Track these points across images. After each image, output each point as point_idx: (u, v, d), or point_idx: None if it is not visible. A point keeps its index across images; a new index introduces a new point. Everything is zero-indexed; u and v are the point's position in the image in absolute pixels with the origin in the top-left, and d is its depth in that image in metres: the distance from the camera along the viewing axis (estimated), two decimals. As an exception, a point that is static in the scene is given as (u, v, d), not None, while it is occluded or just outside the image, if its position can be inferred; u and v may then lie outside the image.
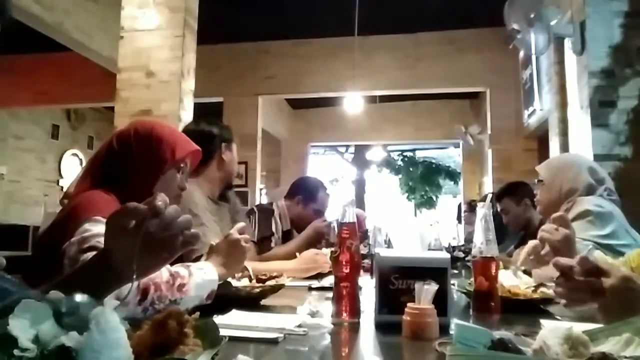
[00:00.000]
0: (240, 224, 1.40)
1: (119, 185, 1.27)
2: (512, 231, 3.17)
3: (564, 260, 0.99)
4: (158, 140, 1.35)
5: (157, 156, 1.34)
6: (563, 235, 1.28)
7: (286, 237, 2.70)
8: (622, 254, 1.62)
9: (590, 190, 1.85)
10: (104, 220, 1.11)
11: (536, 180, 2.05)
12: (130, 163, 1.32)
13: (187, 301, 1.11)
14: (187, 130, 1.95)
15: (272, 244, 2.53)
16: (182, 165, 1.40)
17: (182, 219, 0.77)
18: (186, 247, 0.80)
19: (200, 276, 1.16)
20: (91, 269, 0.80)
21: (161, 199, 0.75)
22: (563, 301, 0.99)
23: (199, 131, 1.96)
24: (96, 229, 1.07)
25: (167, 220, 0.75)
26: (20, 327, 0.50)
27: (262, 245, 2.44)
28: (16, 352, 0.48)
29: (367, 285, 1.48)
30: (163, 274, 1.07)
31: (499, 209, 3.06)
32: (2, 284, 0.60)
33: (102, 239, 0.82)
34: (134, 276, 0.72)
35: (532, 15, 3.30)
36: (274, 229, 2.60)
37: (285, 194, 2.85)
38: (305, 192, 2.75)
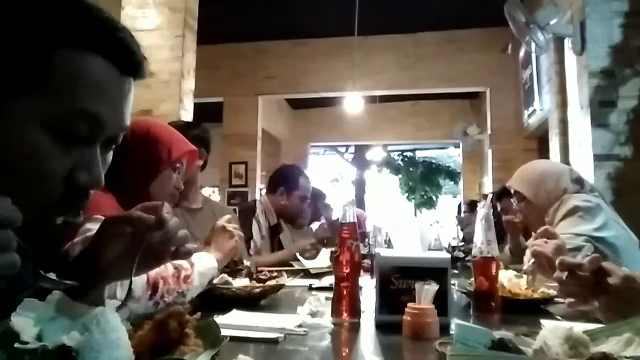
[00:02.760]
0: (226, 217, 1.43)
1: (115, 184, 1.27)
2: None
3: (569, 259, 0.99)
4: (154, 140, 1.35)
5: (154, 156, 1.35)
6: (555, 246, 1.29)
7: (274, 230, 2.70)
8: (614, 245, 1.63)
9: (576, 191, 1.84)
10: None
11: (514, 198, 1.98)
12: (126, 163, 1.31)
13: (193, 291, 1.15)
14: None
15: (252, 246, 2.45)
16: (178, 165, 1.41)
17: (181, 234, 0.77)
18: (175, 259, 0.81)
19: (202, 265, 1.20)
20: (76, 266, 0.79)
21: (167, 210, 0.74)
22: (568, 300, 0.99)
23: None
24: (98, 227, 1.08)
25: (170, 234, 0.74)
26: (23, 325, 0.50)
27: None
28: (17, 345, 0.48)
29: (367, 285, 1.48)
30: (168, 267, 1.10)
31: (499, 209, 3.06)
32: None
33: None
34: (131, 280, 0.71)
35: (531, 16, 3.30)
36: (254, 230, 2.53)
37: (267, 189, 2.83)
38: (286, 181, 2.74)
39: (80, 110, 0.59)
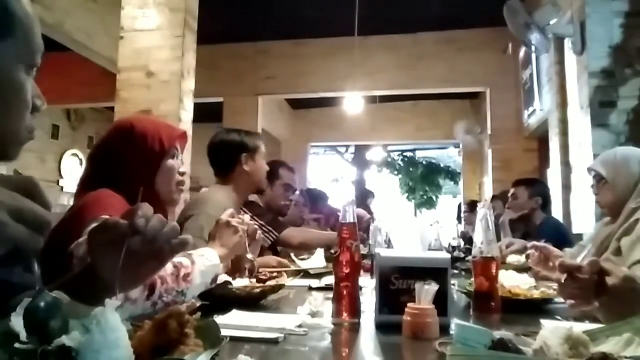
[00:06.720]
0: (229, 210, 1.43)
1: (121, 187, 1.27)
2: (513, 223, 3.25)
3: (568, 261, 0.99)
4: (142, 136, 1.34)
5: (147, 152, 1.33)
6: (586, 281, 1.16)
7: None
8: None
9: None
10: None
11: (593, 181, 1.87)
12: (123, 165, 1.31)
13: (193, 289, 1.13)
14: (210, 143, 2.16)
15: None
16: (174, 151, 1.39)
17: (168, 229, 0.75)
18: (175, 254, 0.79)
19: (203, 263, 1.18)
20: (83, 277, 0.79)
21: (142, 214, 0.71)
22: (570, 301, 0.99)
23: (217, 142, 2.15)
24: None
25: (150, 235, 0.72)
26: (23, 325, 0.50)
27: (278, 228, 2.49)
28: (17, 345, 0.48)
29: (367, 285, 1.48)
30: (167, 266, 1.07)
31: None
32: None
33: None
34: (117, 291, 0.70)
35: (531, 16, 3.30)
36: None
37: None
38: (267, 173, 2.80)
39: (39, 45, 0.74)
